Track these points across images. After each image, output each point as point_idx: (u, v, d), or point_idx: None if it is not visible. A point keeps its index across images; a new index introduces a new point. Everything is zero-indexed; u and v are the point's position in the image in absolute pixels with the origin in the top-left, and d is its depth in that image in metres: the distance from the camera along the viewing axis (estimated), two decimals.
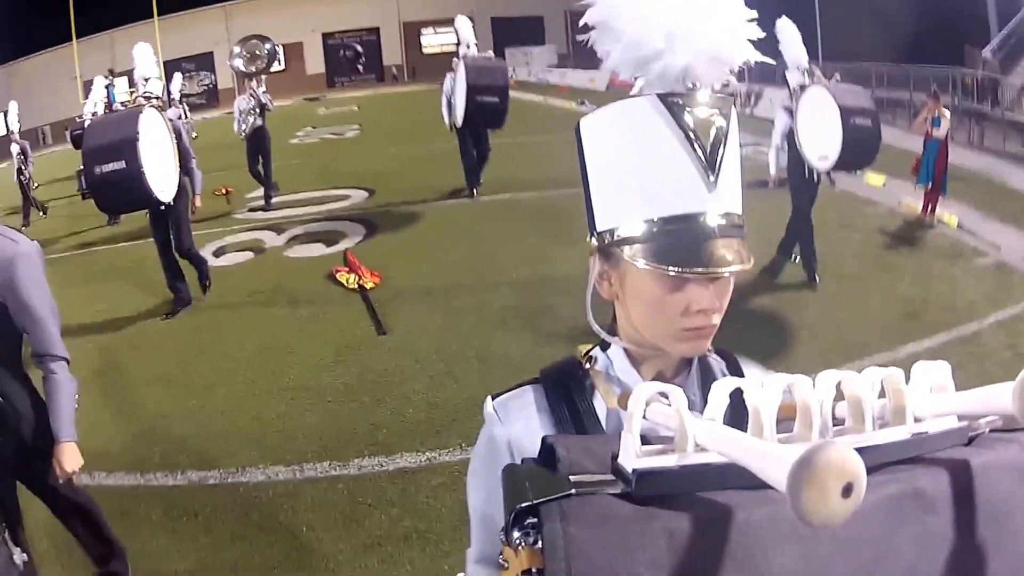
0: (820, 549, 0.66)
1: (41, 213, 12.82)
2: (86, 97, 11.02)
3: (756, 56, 1.00)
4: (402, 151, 13.87)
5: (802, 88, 5.98)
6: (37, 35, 29.33)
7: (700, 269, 0.92)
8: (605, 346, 1.07)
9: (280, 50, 17.56)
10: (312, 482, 3.74)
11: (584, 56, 14.94)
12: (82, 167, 5.12)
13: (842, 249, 7.03)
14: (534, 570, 0.65)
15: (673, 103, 0.94)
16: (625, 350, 1.05)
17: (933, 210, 7.96)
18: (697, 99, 0.95)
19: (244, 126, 9.75)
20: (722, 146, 0.94)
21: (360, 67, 34.36)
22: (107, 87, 13.48)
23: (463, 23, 9.30)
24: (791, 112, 6.12)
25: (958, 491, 0.70)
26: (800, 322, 5.44)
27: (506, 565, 0.69)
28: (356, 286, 6.48)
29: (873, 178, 8.88)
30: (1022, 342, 4.94)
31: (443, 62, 11.05)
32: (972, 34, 14.21)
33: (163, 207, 5.84)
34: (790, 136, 6.15)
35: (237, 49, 11.06)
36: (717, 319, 0.97)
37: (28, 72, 30.22)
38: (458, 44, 9.24)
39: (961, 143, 11.76)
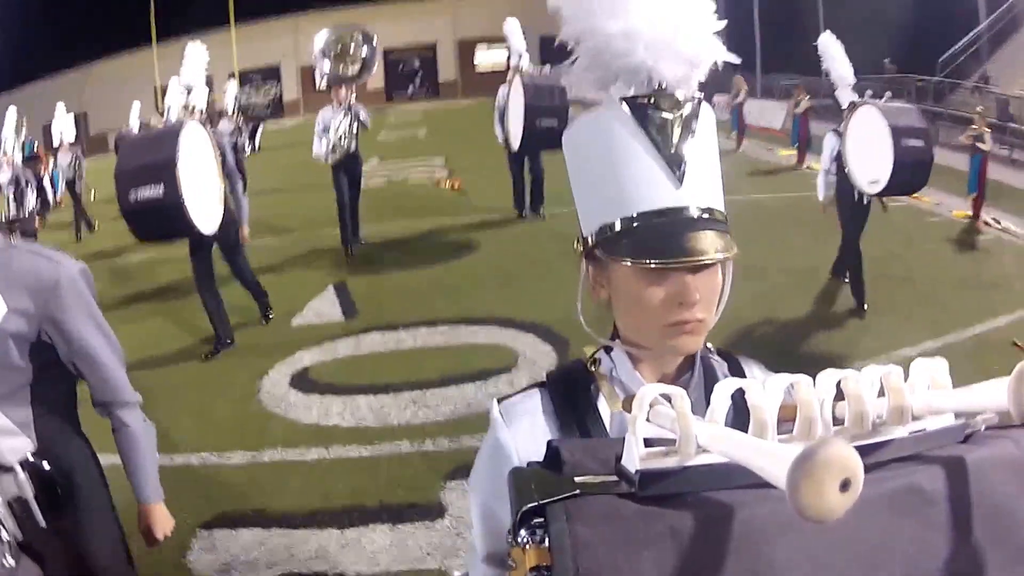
0: (822, 543, 0.70)
1: (88, 229, 11.96)
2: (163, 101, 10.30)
3: (724, 55, 1.09)
4: (465, 142, 18.64)
5: (852, 107, 5.89)
6: (112, 39, 30.61)
7: (674, 259, 1.00)
8: (609, 348, 1.14)
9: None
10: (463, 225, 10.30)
11: None
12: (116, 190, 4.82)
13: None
14: (542, 567, 0.71)
15: (635, 103, 1.04)
16: (628, 352, 1.12)
17: None
18: (660, 98, 1.05)
19: (333, 148, 7.96)
20: (687, 142, 1.03)
21: (417, 82, 37.43)
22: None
23: (513, 29, 9.08)
24: (840, 134, 6.07)
25: (955, 487, 0.75)
26: None
27: (514, 566, 0.75)
28: (449, 187, 13.52)
29: None
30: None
31: (494, 79, 13.07)
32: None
33: (207, 239, 5.59)
34: (839, 159, 6.12)
35: (323, 39, 8.18)
36: (702, 313, 1.04)
37: (102, 75, 31.89)
38: (509, 55, 9.14)
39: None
